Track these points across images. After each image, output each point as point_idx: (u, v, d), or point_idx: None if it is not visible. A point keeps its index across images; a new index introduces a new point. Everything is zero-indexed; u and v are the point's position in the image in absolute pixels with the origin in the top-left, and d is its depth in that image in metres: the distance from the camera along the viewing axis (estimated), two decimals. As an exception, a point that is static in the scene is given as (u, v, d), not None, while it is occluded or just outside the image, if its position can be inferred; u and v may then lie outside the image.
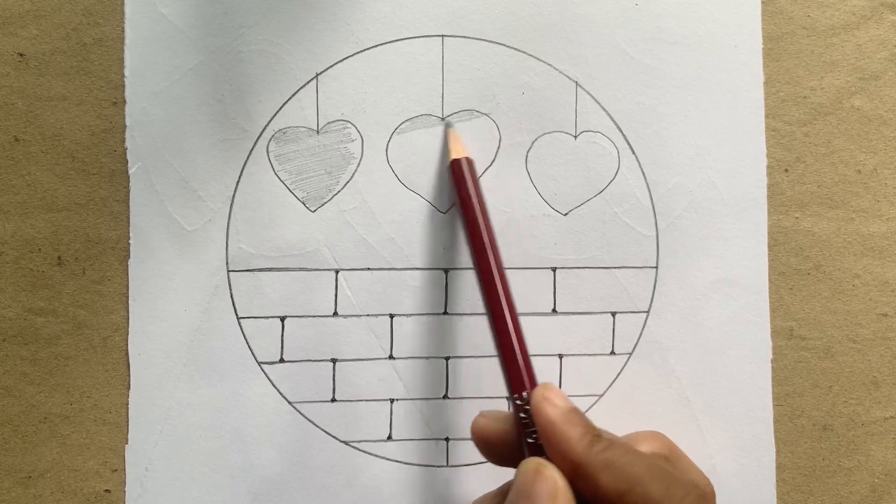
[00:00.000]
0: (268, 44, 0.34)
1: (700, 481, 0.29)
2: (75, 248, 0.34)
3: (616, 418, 0.35)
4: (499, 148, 0.35)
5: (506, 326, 0.30)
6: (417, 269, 0.35)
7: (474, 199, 0.32)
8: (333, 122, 0.35)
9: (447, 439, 0.35)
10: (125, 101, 0.34)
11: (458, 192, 0.32)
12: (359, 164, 0.35)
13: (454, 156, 0.33)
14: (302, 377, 0.34)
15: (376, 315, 0.35)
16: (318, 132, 0.35)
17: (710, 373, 0.35)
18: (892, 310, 0.36)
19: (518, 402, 0.29)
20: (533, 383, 0.29)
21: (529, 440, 0.28)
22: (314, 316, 0.34)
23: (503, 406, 0.35)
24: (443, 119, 0.35)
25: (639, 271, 0.35)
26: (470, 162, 0.33)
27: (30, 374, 0.33)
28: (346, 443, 0.34)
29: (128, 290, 0.34)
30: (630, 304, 0.35)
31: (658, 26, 0.36)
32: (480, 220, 0.31)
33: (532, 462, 0.27)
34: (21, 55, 0.33)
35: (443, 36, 0.35)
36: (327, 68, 0.35)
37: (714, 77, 0.36)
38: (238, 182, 0.34)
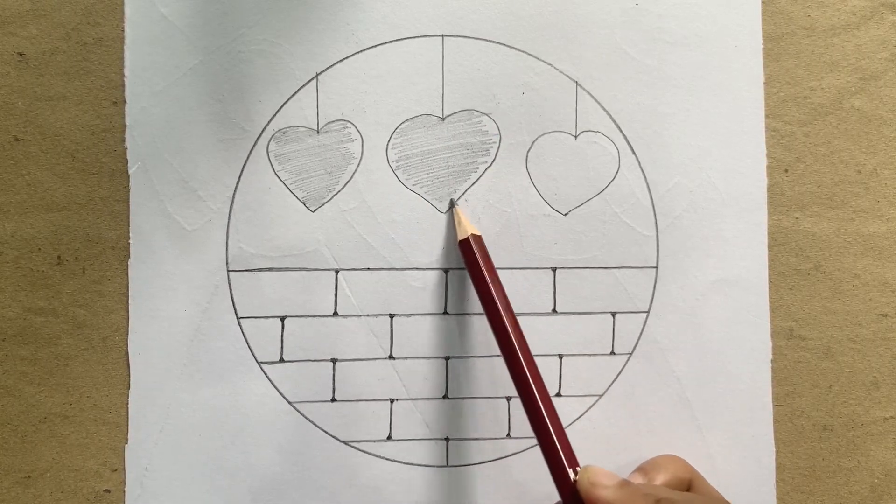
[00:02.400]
0: (268, 44, 0.34)
1: None
2: (75, 248, 0.34)
3: (616, 418, 0.35)
4: (499, 148, 0.35)
5: (538, 407, 0.30)
6: (417, 269, 0.35)
7: (487, 276, 0.32)
8: (333, 121, 0.35)
9: (447, 439, 0.35)
10: (125, 101, 0.34)
11: (471, 270, 0.33)
12: (359, 163, 0.35)
13: (462, 236, 0.34)
14: (302, 377, 0.34)
15: (376, 315, 0.35)
16: (318, 132, 0.35)
17: (710, 373, 0.35)
18: (892, 310, 0.36)
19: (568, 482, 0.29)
20: (572, 460, 0.29)
21: None
22: (314, 316, 0.34)
23: (503, 406, 0.35)
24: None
25: (639, 271, 0.35)
26: (478, 239, 0.34)
27: (29, 373, 0.33)
28: (346, 443, 0.34)
29: (128, 290, 0.34)
30: (630, 305, 0.35)
31: (658, 26, 0.36)
32: (497, 298, 0.32)
33: None
34: (21, 55, 0.33)
35: (443, 36, 0.35)
36: (327, 68, 0.34)
37: (714, 77, 0.36)
38: (238, 182, 0.34)
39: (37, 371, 0.33)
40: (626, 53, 0.35)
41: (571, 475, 0.29)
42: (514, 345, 0.31)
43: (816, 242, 0.36)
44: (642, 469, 0.33)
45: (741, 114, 0.36)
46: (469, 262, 0.33)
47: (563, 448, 0.30)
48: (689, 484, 0.32)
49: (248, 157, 0.34)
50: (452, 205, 0.35)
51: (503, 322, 0.31)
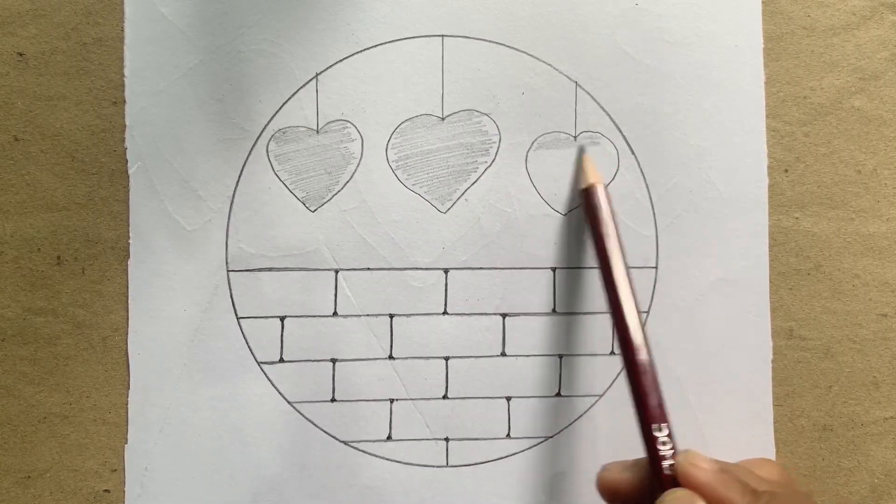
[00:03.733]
0: (268, 44, 0.34)
1: None
2: (75, 248, 0.34)
3: (616, 418, 0.35)
4: (499, 148, 0.35)
5: (636, 361, 0.30)
6: (417, 269, 0.35)
7: (608, 229, 0.32)
8: (333, 121, 0.35)
9: (447, 439, 0.35)
10: (125, 101, 0.34)
11: (591, 221, 0.33)
12: (359, 163, 0.35)
13: (587, 182, 0.33)
14: (301, 377, 0.34)
15: (376, 315, 0.35)
16: (318, 132, 0.35)
17: (710, 373, 0.35)
18: (892, 310, 0.36)
19: (657, 433, 0.29)
20: (664, 415, 0.30)
21: (667, 473, 0.29)
22: (314, 316, 0.34)
23: (503, 406, 0.35)
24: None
25: (639, 271, 0.35)
26: (604, 189, 0.33)
27: (29, 373, 0.33)
28: (346, 443, 0.34)
29: (128, 290, 0.34)
30: (630, 304, 0.35)
31: (658, 26, 0.36)
32: (615, 252, 0.32)
33: (683, 494, 0.27)
34: (21, 55, 0.33)
35: (443, 36, 0.35)
36: (327, 68, 0.34)
37: (714, 77, 0.36)
38: (238, 182, 0.34)
39: (37, 371, 0.33)
40: (626, 53, 0.35)
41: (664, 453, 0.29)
42: (621, 307, 0.31)
43: (816, 242, 0.36)
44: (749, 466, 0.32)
45: (741, 114, 0.36)
46: (589, 210, 0.33)
47: (659, 396, 0.30)
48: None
49: (248, 157, 0.34)
50: (583, 151, 0.35)
51: (613, 280, 0.31)
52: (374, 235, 0.35)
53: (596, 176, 0.33)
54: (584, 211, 0.33)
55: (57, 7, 0.34)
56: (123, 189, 0.34)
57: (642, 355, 0.30)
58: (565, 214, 0.35)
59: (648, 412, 0.30)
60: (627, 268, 0.32)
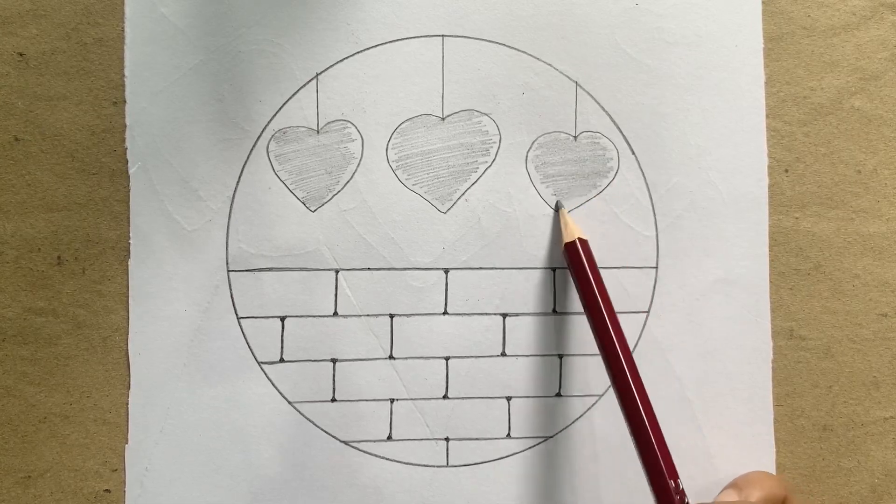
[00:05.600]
0: (268, 44, 0.34)
1: None
2: (75, 248, 0.34)
3: (616, 418, 0.35)
4: (499, 148, 0.35)
5: (642, 420, 0.30)
6: (417, 269, 0.35)
7: (593, 283, 0.32)
8: (333, 121, 0.35)
9: (447, 439, 0.35)
10: (125, 101, 0.34)
11: (577, 274, 0.33)
12: (359, 163, 0.35)
13: (567, 239, 0.34)
14: (302, 377, 0.34)
15: (376, 315, 0.35)
16: (318, 132, 0.35)
17: (710, 373, 0.35)
18: (892, 310, 0.36)
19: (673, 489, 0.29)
20: (672, 472, 0.29)
21: None
22: (314, 316, 0.34)
23: (503, 406, 0.35)
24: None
25: (639, 271, 0.35)
26: (584, 244, 0.33)
27: (30, 373, 0.33)
28: (346, 443, 0.34)
29: (128, 290, 0.34)
30: (630, 304, 0.35)
31: (658, 26, 0.36)
32: (602, 305, 0.32)
33: None
34: (21, 55, 0.33)
35: (443, 36, 0.35)
36: (327, 68, 0.35)
37: (714, 77, 0.36)
38: (238, 182, 0.34)
39: (37, 371, 0.33)
40: (626, 53, 0.35)
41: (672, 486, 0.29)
42: (619, 356, 0.31)
43: (816, 242, 0.36)
44: (736, 485, 0.32)
45: (741, 114, 0.36)
46: (575, 265, 0.33)
47: (665, 460, 0.29)
48: (783, 503, 0.32)
49: (248, 157, 0.34)
50: (559, 207, 0.35)
51: (609, 331, 0.31)
52: (375, 235, 0.35)
53: (576, 231, 0.33)
54: (569, 264, 0.34)
55: (57, 7, 0.34)
56: (124, 189, 0.34)
57: (647, 411, 0.30)
58: (565, 214, 0.35)
59: (662, 470, 0.29)
60: (616, 320, 0.32)
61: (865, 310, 0.36)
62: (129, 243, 0.34)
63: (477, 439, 0.35)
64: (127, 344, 0.34)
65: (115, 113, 0.34)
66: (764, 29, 0.36)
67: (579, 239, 0.33)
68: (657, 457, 0.29)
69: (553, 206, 0.35)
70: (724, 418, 0.35)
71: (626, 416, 0.30)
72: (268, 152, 0.34)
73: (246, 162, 0.34)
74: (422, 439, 0.35)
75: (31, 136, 0.33)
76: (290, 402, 0.34)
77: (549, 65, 0.35)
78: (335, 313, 0.34)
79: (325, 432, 0.34)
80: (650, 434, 0.30)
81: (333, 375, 0.34)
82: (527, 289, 0.35)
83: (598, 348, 0.32)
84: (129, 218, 0.34)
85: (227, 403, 0.34)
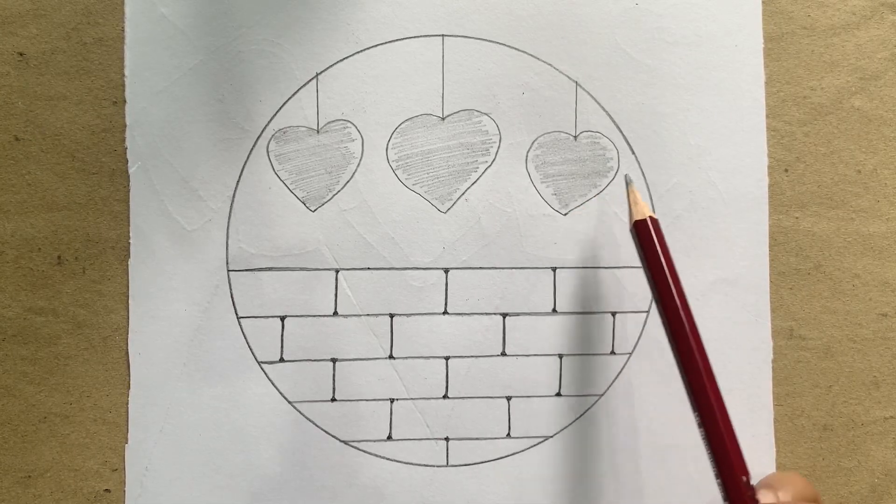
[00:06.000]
0: (268, 44, 0.34)
1: None
2: (75, 248, 0.34)
3: (616, 418, 0.35)
4: (499, 148, 0.35)
5: (711, 406, 0.29)
6: (417, 269, 0.35)
7: (663, 262, 0.31)
8: (333, 121, 0.35)
9: (447, 439, 0.35)
10: (125, 101, 0.34)
11: (646, 255, 0.31)
12: (359, 163, 0.35)
13: (637, 216, 0.32)
14: (302, 377, 0.34)
15: (376, 315, 0.35)
16: (318, 132, 0.35)
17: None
18: (892, 310, 0.36)
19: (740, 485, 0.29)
20: (743, 468, 0.29)
21: None
22: (314, 316, 0.34)
23: (503, 406, 0.35)
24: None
25: (639, 271, 0.35)
26: (654, 222, 0.32)
27: (29, 373, 0.33)
28: (345, 442, 0.34)
29: (128, 290, 0.34)
30: (630, 304, 0.35)
31: (658, 26, 0.36)
32: (672, 286, 0.31)
33: None
34: (21, 55, 0.33)
35: (443, 36, 0.35)
36: (327, 68, 0.35)
37: (714, 77, 0.36)
38: (238, 182, 0.34)
39: (37, 371, 0.33)
40: (626, 53, 0.35)
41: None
42: (690, 342, 0.30)
43: (816, 242, 0.36)
44: (769, 485, 0.31)
45: (741, 113, 0.36)
46: (645, 246, 0.31)
47: (735, 456, 0.29)
48: None
49: (248, 157, 0.34)
50: (629, 182, 0.33)
51: (679, 314, 0.30)
52: (375, 235, 0.35)
53: (646, 210, 0.32)
54: (638, 244, 0.32)
55: (57, 7, 0.34)
56: (124, 189, 0.34)
57: (717, 401, 0.29)
58: (565, 214, 0.35)
59: (735, 466, 0.29)
60: (685, 300, 0.31)
61: (865, 310, 0.36)
62: (129, 243, 0.34)
63: (477, 439, 0.35)
64: (127, 344, 0.34)
65: (115, 113, 0.34)
66: (764, 29, 0.36)
67: (650, 217, 0.32)
68: (728, 453, 0.29)
69: (556, 208, 0.35)
70: (724, 418, 0.35)
71: (697, 410, 0.30)
72: (268, 152, 0.34)
73: (246, 162, 0.34)
74: (422, 439, 0.35)
75: (31, 135, 0.33)
76: (289, 402, 0.34)
77: (549, 65, 0.35)
78: (335, 313, 0.34)
79: (325, 432, 0.34)
80: (721, 428, 0.29)
81: (333, 375, 0.34)
82: (527, 289, 0.35)
83: (667, 335, 0.30)
84: (129, 218, 0.34)
85: (227, 403, 0.34)
